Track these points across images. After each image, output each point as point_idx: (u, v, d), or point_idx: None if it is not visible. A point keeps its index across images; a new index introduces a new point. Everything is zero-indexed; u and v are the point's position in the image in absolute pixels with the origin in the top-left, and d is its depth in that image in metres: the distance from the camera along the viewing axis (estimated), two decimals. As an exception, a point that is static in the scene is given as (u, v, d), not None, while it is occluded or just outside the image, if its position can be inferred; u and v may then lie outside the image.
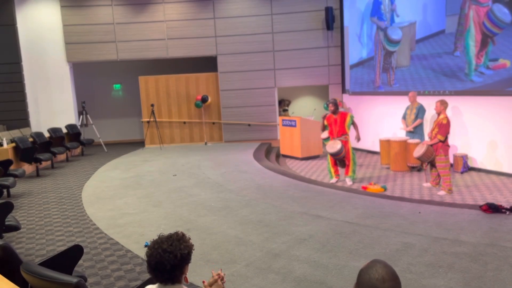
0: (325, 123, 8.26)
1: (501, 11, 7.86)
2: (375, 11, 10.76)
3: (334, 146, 8.01)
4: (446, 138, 7.07)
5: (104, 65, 14.44)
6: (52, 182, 9.13)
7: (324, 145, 11.11)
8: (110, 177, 9.18)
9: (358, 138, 8.15)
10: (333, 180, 8.34)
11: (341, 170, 8.60)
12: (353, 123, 8.12)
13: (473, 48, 8.42)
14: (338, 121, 8.06)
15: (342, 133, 8.05)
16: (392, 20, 10.30)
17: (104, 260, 4.90)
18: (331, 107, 8.07)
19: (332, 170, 8.39)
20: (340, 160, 8.23)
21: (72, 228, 6.08)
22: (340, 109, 9.51)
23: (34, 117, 12.73)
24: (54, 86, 12.99)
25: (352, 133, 8.73)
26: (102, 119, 14.62)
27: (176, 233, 2.19)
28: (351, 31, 11.75)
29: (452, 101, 8.77)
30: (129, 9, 12.88)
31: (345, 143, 8.04)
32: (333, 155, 8.09)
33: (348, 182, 8.13)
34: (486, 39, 8.21)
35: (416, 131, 8.94)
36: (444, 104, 7.13)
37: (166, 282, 2.13)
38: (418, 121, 8.84)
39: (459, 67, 8.81)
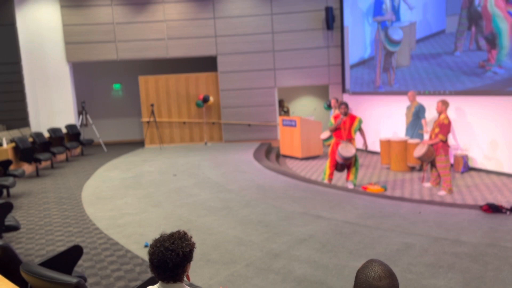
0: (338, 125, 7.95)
1: None
2: (377, 11, 10.75)
3: (349, 150, 7.67)
4: (447, 138, 7.08)
5: (104, 65, 14.43)
6: (51, 182, 9.12)
7: (324, 145, 11.11)
8: (110, 177, 9.18)
9: (365, 146, 7.90)
10: (324, 182, 8.17)
11: (337, 174, 8.53)
12: (360, 129, 7.85)
13: (505, 32, 7.76)
14: (347, 124, 7.82)
15: (348, 137, 7.83)
16: (398, 17, 10.17)
17: (104, 260, 4.89)
18: (344, 109, 7.79)
19: (328, 172, 8.12)
20: (346, 164, 7.94)
21: (71, 228, 6.07)
22: (336, 110, 9.46)
23: (33, 117, 12.72)
24: (54, 86, 12.99)
25: (358, 139, 8.46)
26: (102, 119, 14.61)
27: (178, 231, 2.20)
28: (351, 31, 11.75)
29: (452, 101, 8.76)
30: (129, 9, 12.88)
31: None
32: (345, 159, 7.72)
33: (350, 186, 7.93)
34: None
35: (416, 129, 8.95)
36: (445, 104, 7.13)
37: (168, 281, 2.14)
38: (424, 122, 8.81)
39: (460, 67, 8.80)
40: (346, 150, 7.72)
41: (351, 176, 7.94)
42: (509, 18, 7.73)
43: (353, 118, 7.85)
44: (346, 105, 7.87)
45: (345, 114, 7.85)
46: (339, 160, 7.85)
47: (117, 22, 12.89)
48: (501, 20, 7.85)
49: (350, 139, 7.85)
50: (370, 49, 11.10)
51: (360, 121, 7.85)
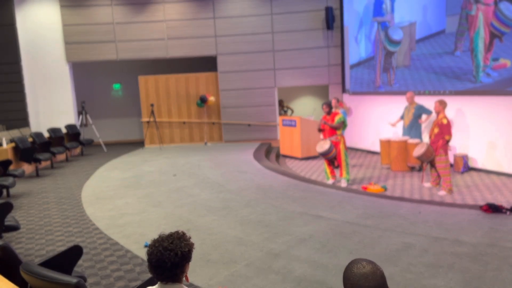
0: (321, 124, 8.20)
1: (508, 9, 7.73)
2: (377, 11, 10.74)
3: (323, 146, 7.99)
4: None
5: (104, 65, 14.42)
6: (51, 182, 9.12)
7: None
8: (109, 177, 9.17)
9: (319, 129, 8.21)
10: (330, 181, 8.29)
11: (337, 171, 8.58)
12: (344, 123, 7.99)
13: (482, 50, 8.29)
14: (329, 122, 7.99)
15: (332, 133, 8.00)
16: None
17: (104, 260, 4.89)
18: (325, 108, 8.01)
19: (328, 171, 8.32)
20: (330, 160, 8.17)
21: (71, 228, 6.07)
22: (337, 110, 9.48)
23: (33, 117, 12.71)
24: (53, 86, 12.98)
25: (348, 132, 8.52)
26: (101, 119, 14.60)
27: (177, 231, 2.20)
28: (351, 31, 11.75)
29: (452, 101, 8.76)
30: (129, 9, 12.87)
31: (336, 143, 7.95)
32: (322, 154, 8.04)
33: (343, 183, 8.04)
34: (493, 40, 8.10)
35: (415, 130, 8.97)
36: (443, 104, 7.13)
37: (167, 281, 2.13)
38: (429, 117, 8.85)
39: (460, 67, 8.80)
40: (320, 146, 8.05)
41: (343, 173, 8.06)
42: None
43: (335, 115, 7.98)
44: (328, 105, 8.05)
45: (328, 113, 8.01)
46: (322, 156, 8.19)
47: (117, 22, 12.89)
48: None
49: (336, 135, 7.97)
50: (369, 50, 11.09)
51: (341, 118, 7.93)
